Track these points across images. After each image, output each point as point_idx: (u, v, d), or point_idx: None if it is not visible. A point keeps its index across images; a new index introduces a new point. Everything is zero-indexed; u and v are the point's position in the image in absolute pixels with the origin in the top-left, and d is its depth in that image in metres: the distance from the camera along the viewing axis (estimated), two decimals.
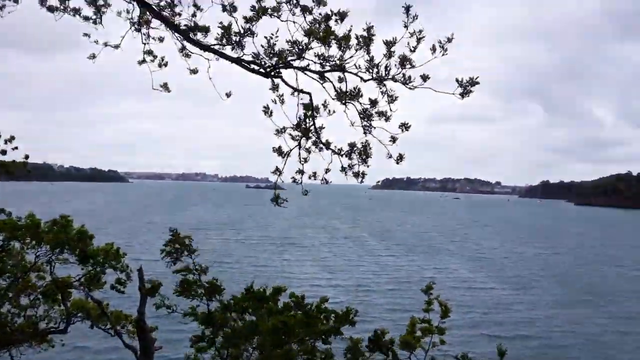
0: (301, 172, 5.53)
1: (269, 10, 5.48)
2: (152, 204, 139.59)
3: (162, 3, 5.63)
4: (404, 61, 4.72)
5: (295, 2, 5.59)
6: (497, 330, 27.52)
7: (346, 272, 42.77)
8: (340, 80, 5.19)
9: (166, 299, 8.44)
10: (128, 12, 5.95)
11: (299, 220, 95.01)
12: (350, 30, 4.86)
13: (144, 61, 6.32)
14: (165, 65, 6.36)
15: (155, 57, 6.33)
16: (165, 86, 6.42)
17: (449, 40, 4.59)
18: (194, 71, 6.18)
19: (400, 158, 5.30)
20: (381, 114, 5.17)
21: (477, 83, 4.59)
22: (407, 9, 4.50)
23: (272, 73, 5.30)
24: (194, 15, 5.72)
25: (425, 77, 4.78)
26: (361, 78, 5.04)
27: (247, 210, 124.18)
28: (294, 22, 5.52)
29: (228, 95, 6.03)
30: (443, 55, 4.58)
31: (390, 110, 5.04)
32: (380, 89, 5.04)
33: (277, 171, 5.41)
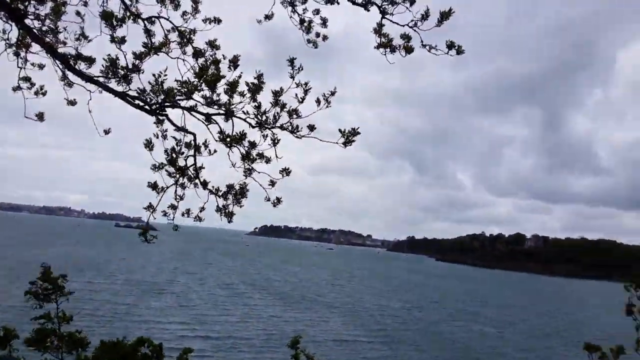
0: (174, 207, 5.36)
1: (160, 46, 5.43)
2: (2, 238, 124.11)
3: (45, 28, 5.28)
4: (292, 111, 4.96)
5: (186, 41, 5.62)
6: None
7: (216, 322, 41.16)
8: (227, 120, 5.23)
9: (15, 351, 7.37)
10: (4, 32, 5.43)
11: (170, 264, 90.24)
12: (240, 77, 4.99)
13: (19, 88, 5.71)
14: (44, 94, 5.79)
15: (33, 84, 5.77)
16: (40, 116, 5.81)
17: (332, 94, 4.98)
18: (72, 102, 5.75)
19: (277, 201, 5.37)
20: (261, 155, 5.26)
21: (358, 133, 4.97)
22: (292, 61, 4.90)
23: (158, 111, 5.18)
24: (77, 39, 5.44)
25: (312, 127, 5.04)
26: (250, 124, 5.15)
27: (113, 250, 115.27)
28: (183, 60, 5.53)
29: (107, 132, 5.73)
30: (327, 107, 4.95)
31: (277, 156, 5.17)
32: (262, 132, 5.16)
33: (151, 207, 5.20)
